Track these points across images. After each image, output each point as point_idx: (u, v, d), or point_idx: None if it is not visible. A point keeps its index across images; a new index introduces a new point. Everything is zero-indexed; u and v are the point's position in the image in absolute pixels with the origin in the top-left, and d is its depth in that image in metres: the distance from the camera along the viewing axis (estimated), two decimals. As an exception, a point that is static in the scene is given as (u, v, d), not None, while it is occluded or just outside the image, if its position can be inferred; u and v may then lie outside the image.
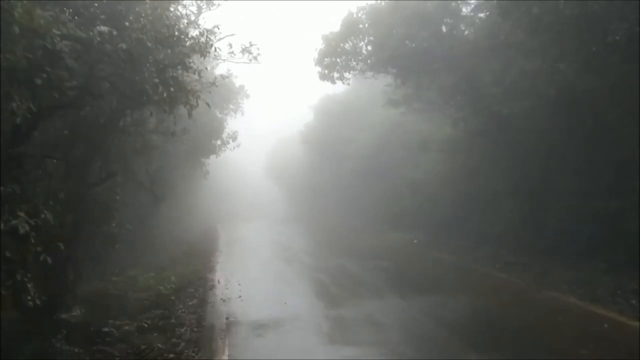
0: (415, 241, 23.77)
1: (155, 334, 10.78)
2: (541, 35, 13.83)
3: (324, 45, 20.11)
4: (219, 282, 15.65)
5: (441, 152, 24.88)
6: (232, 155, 67.90)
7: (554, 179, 16.81)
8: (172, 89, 9.75)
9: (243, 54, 13.66)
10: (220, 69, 27.98)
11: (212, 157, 27.47)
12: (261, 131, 73.56)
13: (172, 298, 13.57)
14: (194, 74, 11.02)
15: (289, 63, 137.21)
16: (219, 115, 27.78)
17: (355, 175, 33.30)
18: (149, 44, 8.61)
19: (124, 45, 8.24)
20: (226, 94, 27.84)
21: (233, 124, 31.00)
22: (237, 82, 28.69)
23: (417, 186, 25.73)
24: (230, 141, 26.17)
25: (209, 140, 24.01)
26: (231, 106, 28.71)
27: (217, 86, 13.35)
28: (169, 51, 10.10)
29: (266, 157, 67.88)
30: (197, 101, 10.92)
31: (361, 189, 33.24)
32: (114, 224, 14.32)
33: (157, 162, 17.73)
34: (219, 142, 25.80)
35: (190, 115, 11.12)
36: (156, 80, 9.31)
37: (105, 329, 11.42)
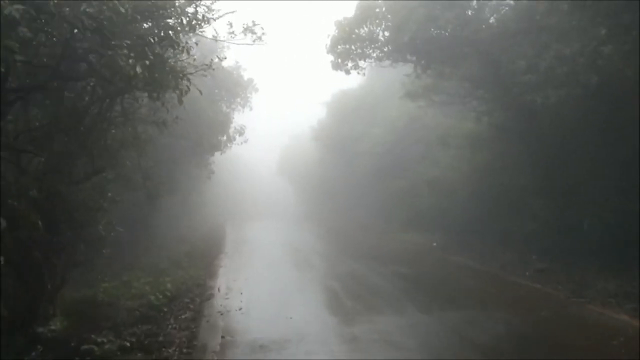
0: (435, 244, 22.28)
1: (139, 354, 9.31)
2: (582, 14, 12.19)
3: (337, 31, 18.48)
4: (219, 290, 14.17)
5: (462, 148, 23.32)
6: (243, 153, 67.26)
7: (591, 177, 15.21)
8: (155, 71, 8.21)
9: (245, 34, 12.03)
10: (227, 62, 26.56)
11: (222, 154, 26.00)
12: (273, 128, 72.32)
13: (165, 310, 12.08)
14: (182, 52, 9.47)
15: (301, 58, 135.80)
16: (226, 110, 26.32)
17: (369, 173, 31.70)
18: (123, 10, 7.07)
19: (89, 10, 6.72)
20: (233, 87, 26.41)
21: (241, 119, 29.57)
22: (246, 75, 27.22)
23: (436, 184, 24.13)
24: (237, 136, 24.67)
25: (214, 136, 22.50)
26: (239, 100, 27.23)
27: (213, 69, 11.77)
28: (151, 24, 8.59)
29: (278, 155, 66.41)
30: (188, 86, 9.36)
31: (375, 187, 31.67)
32: (101, 226, 12.92)
33: (152, 156, 16.24)
34: (224, 138, 24.22)
35: (180, 102, 9.62)
36: (133, 59, 7.79)
37: (85, 347, 10.02)
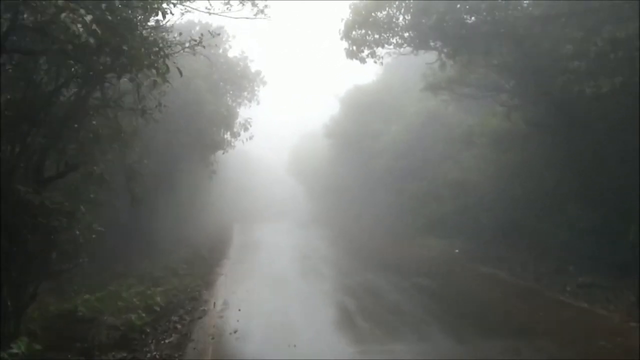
0: (457, 251, 20.57)
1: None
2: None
3: (351, 15, 16.66)
4: (214, 305, 12.50)
5: (487, 147, 21.61)
6: (252, 151, 65.97)
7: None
8: (123, 41, 6.52)
9: (243, 3, 10.29)
10: (233, 52, 24.99)
11: (225, 153, 24.32)
12: (282, 125, 70.97)
13: (148, 330, 10.39)
14: (156, 15, 7.78)
15: (312, 50, 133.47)
16: (231, 104, 24.67)
17: (385, 173, 29.80)
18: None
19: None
20: (239, 80, 24.77)
21: (248, 115, 27.93)
22: (253, 67, 25.53)
23: (458, 186, 22.32)
24: (242, 132, 22.97)
25: (216, 132, 20.76)
26: (245, 94, 25.55)
27: (203, 47, 10.04)
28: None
29: (288, 153, 64.81)
30: (165, 63, 7.66)
31: (392, 188, 29.81)
32: (78, 231, 11.28)
33: (145, 153, 14.65)
34: (228, 135, 22.47)
35: (155, 84, 7.92)
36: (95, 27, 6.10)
37: (46, 376, 8.43)
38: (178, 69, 8.90)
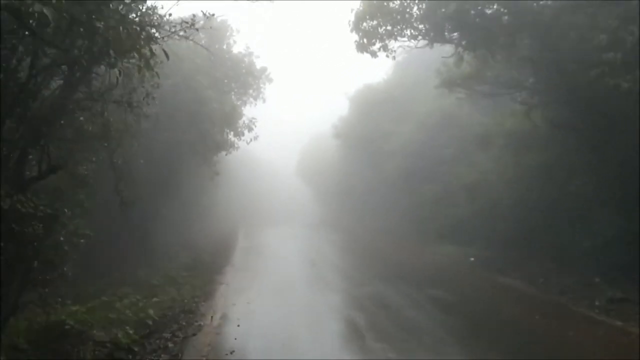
0: (472, 259, 19.55)
1: None
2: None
3: (362, 5, 15.65)
4: (211, 319, 11.52)
5: (505, 148, 20.51)
6: (259, 153, 65.23)
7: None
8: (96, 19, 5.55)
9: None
10: (237, 48, 24.08)
11: (228, 155, 23.35)
12: (290, 125, 70.15)
13: (135, 349, 9.42)
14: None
15: (321, 46, 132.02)
16: (235, 102, 23.72)
17: (397, 175, 28.75)
18: None
19: None
20: (244, 77, 23.82)
21: (254, 114, 27.03)
22: (258, 63, 24.52)
23: (474, 190, 21.19)
24: (246, 132, 21.99)
25: (219, 132, 19.77)
26: (251, 92, 24.57)
27: (196, 29, 9.08)
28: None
29: (296, 155, 63.98)
30: (150, 47, 6.70)
31: (404, 191, 28.79)
32: (62, 237, 10.37)
33: (132, 152, 13.65)
34: (231, 136, 21.43)
35: (140, 71, 6.95)
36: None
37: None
38: (165, 52, 7.91)
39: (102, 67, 9.74)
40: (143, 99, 9.45)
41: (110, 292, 14.69)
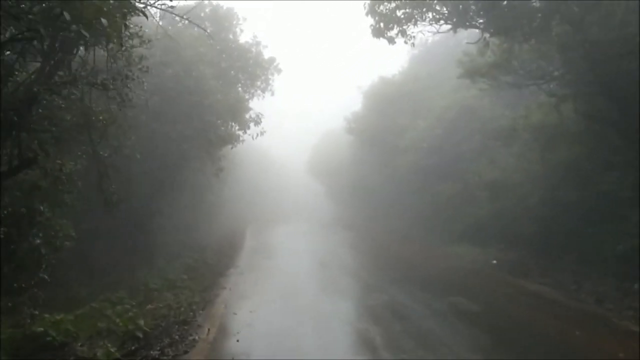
0: (495, 261, 18.38)
1: None
2: None
3: (379, -15, 14.40)
4: (208, 331, 10.34)
5: (530, 144, 19.36)
6: (271, 150, 64.27)
7: None
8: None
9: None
10: (245, 36, 22.91)
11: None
12: (302, 120, 69.06)
13: (117, 371, 8.30)
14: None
15: (333, 35, 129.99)
16: (242, 94, 22.54)
17: (413, 172, 27.45)
18: None
19: None
20: (252, 68, 22.64)
21: (264, 108, 25.87)
22: (266, 54, 23.29)
23: (497, 188, 19.90)
24: (253, 125, 20.81)
25: (223, 125, 18.53)
26: (258, 84, 23.36)
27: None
28: None
29: (308, 151, 62.84)
30: (116, 19, 5.54)
31: (420, 189, 27.54)
32: (39, 240, 9.28)
33: (137, 147, 12.59)
34: (236, 129, 20.18)
35: (117, 47, 5.81)
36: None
37: None
38: (143, 13, 6.71)
39: (82, 48, 8.66)
40: (121, 81, 8.25)
41: (104, 297, 13.66)
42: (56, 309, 11.74)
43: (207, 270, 18.33)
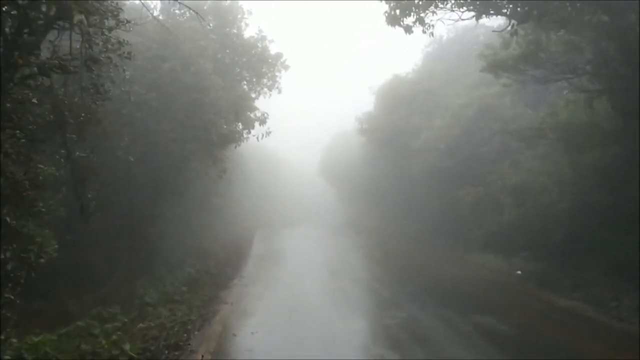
0: (519, 272, 17.17)
1: None
2: None
3: (395, -32, 13.09)
4: (201, 358, 9.07)
5: (558, 144, 17.85)
6: (279, 150, 63.25)
7: None
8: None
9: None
10: (250, 31, 21.73)
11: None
12: (312, 120, 68.04)
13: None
14: None
15: (343, 30, 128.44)
16: (248, 92, 21.32)
17: (429, 175, 26.07)
18: None
19: None
20: (257, 64, 21.43)
21: (272, 107, 24.67)
22: (273, 49, 22.00)
23: (522, 192, 18.49)
24: (258, 125, 19.50)
25: (226, 123, 17.22)
26: (265, 81, 22.12)
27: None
28: None
29: (320, 152, 61.63)
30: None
31: (436, 192, 26.21)
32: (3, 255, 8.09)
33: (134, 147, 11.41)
34: (240, 127, 18.86)
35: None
36: None
37: None
38: None
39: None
40: (97, 56, 7.02)
41: (96, 312, 12.58)
42: (42, 326, 10.67)
43: (209, 282, 17.13)
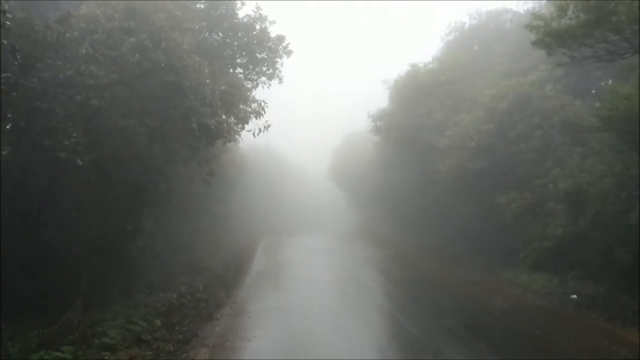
0: (574, 296, 14.21)
1: None
2: None
3: None
4: None
5: (618, 140, 14.68)
6: (288, 152, 60.89)
7: None
8: None
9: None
10: (243, 10, 18.75)
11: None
12: (322, 118, 65.64)
13: None
14: None
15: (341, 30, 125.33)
16: (241, 79, 18.32)
17: (455, 178, 22.86)
18: None
19: None
20: (255, 48, 18.46)
21: (278, 101, 21.83)
22: (273, 31, 18.97)
23: (580, 199, 15.35)
24: (254, 118, 16.44)
25: (212, 113, 14.03)
26: (264, 68, 19.09)
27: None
28: None
29: (331, 154, 59.10)
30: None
31: (464, 198, 23.08)
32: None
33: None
34: (233, 121, 15.74)
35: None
36: None
37: None
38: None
39: None
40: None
41: (44, 353, 9.89)
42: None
43: (191, 311, 14.12)
